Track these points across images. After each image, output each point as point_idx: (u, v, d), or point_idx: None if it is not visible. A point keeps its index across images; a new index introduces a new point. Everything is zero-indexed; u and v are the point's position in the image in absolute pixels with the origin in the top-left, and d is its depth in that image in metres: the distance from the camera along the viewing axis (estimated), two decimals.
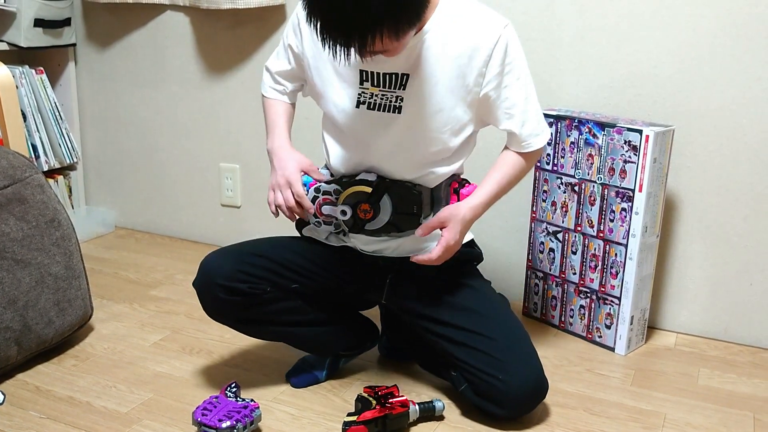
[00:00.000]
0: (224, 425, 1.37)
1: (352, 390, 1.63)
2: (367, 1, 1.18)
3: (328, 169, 1.59)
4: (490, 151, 1.75)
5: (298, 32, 1.52)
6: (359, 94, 1.46)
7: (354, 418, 1.43)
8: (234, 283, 1.48)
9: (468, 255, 1.61)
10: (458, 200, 1.54)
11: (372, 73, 1.44)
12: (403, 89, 1.44)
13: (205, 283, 1.51)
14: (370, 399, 1.45)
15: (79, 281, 1.79)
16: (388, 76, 1.44)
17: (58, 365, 1.72)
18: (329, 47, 1.24)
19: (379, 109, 1.46)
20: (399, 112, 1.45)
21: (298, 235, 1.64)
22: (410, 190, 1.49)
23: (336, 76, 1.48)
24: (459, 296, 1.55)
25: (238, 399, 1.46)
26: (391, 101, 1.45)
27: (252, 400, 1.45)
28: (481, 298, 1.56)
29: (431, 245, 1.52)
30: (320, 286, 1.58)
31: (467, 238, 1.61)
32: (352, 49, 1.24)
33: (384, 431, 1.44)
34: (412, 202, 1.49)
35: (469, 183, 1.56)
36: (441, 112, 1.44)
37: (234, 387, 1.50)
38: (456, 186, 1.54)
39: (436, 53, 1.41)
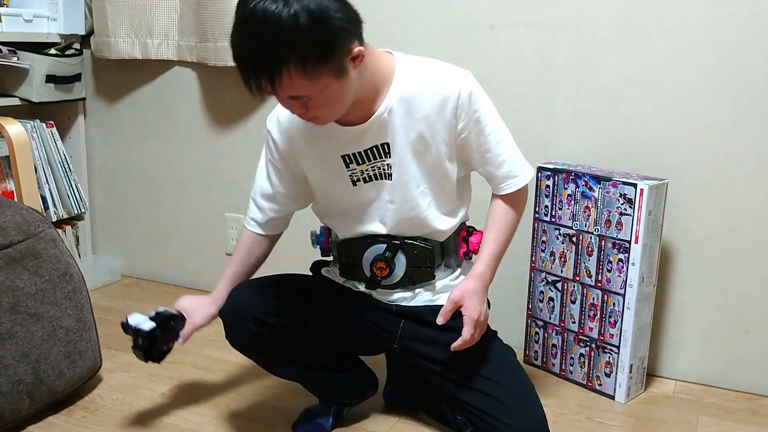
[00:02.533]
0: None
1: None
2: (273, 34, 1.22)
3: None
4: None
5: (273, 148, 1.58)
6: (350, 176, 1.52)
7: None
8: (264, 316, 1.53)
9: None
10: (467, 249, 1.61)
11: (353, 154, 1.50)
12: (389, 156, 1.49)
13: (235, 312, 1.55)
14: None
15: (90, 333, 1.82)
16: (369, 150, 1.49)
17: (69, 417, 1.75)
18: (247, 84, 1.29)
19: (373, 179, 1.53)
20: (390, 178, 1.51)
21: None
22: (422, 245, 1.56)
23: (322, 169, 1.54)
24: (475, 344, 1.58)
25: None
26: (382, 169, 1.51)
27: None
28: (489, 345, 1.59)
29: (447, 294, 1.58)
30: (339, 328, 1.62)
31: None
32: (268, 86, 1.27)
33: None
34: (425, 257, 1.56)
35: (476, 230, 1.63)
36: (427, 172, 1.51)
37: None
38: (464, 234, 1.62)
39: (404, 116, 1.46)
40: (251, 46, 1.25)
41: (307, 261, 1.73)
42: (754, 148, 1.82)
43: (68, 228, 2.64)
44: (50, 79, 2.45)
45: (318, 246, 1.69)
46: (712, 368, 1.96)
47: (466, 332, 1.47)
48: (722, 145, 1.85)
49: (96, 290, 2.63)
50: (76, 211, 2.62)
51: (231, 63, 2.26)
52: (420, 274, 1.58)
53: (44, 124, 2.50)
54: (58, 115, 2.62)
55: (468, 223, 1.66)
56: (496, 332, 1.68)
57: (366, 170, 1.52)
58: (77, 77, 2.57)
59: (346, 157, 1.51)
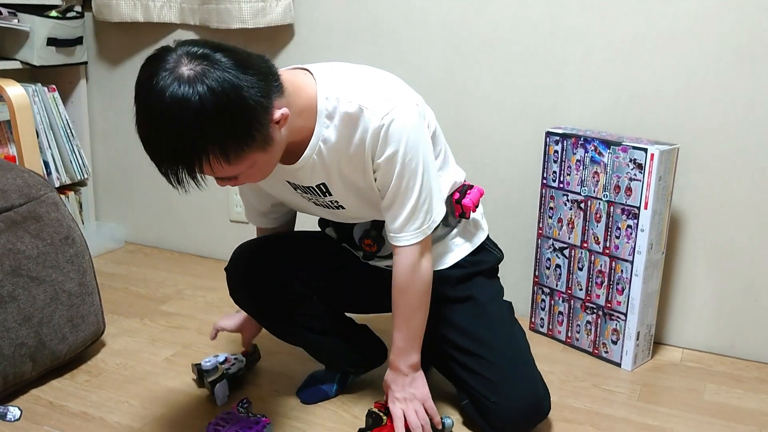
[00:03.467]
0: None
1: (361, 405, 1.65)
2: (181, 127, 1.10)
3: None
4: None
5: None
6: (301, 195, 1.48)
7: None
8: (268, 274, 1.51)
9: (479, 264, 1.61)
10: (462, 211, 1.53)
11: (295, 185, 1.44)
12: (330, 195, 1.43)
13: (239, 270, 1.54)
14: (381, 414, 1.47)
15: (92, 297, 1.81)
16: (309, 188, 1.43)
17: (71, 381, 1.74)
18: (165, 176, 1.17)
19: (325, 207, 1.49)
20: (343, 208, 1.47)
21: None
22: None
23: (271, 186, 1.51)
24: (462, 314, 1.56)
25: (250, 414, 1.48)
26: (330, 203, 1.46)
27: (263, 416, 1.47)
28: (484, 317, 1.56)
29: (444, 257, 1.56)
30: (344, 288, 1.61)
31: (475, 242, 1.61)
32: (181, 176, 1.16)
33: None
34: None
35: (472, 187, 1.55)
36: (370, 195, 1.41)
37: (245, 403, 1.52)
38: (457, 197, 1.54)
39: (332, 158, 1.35)
40: (162, 141, 1.13)
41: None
42: (766, 117, 1.79)
43: (71, 194, 2.62)
44: (51, 42, 2.41)
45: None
46: (721, 337, 1.94)
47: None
48: (735, 109, 1.81)
49: (100, 256, 2.62)
50: (78, 177, 2.60)
51: (234, 25, 2.23)
52: None
53: (46, 88, 2.47)
54: (59, 79, 2.58)
55: (464, 180, 1.58)
56: (501, 290, 1.64)
57: (311, 199, 1.48)
58: (79, 40, 2.53)
59: (291, 183, 1.44)
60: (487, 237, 1.65)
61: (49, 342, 1.68)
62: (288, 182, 1.44)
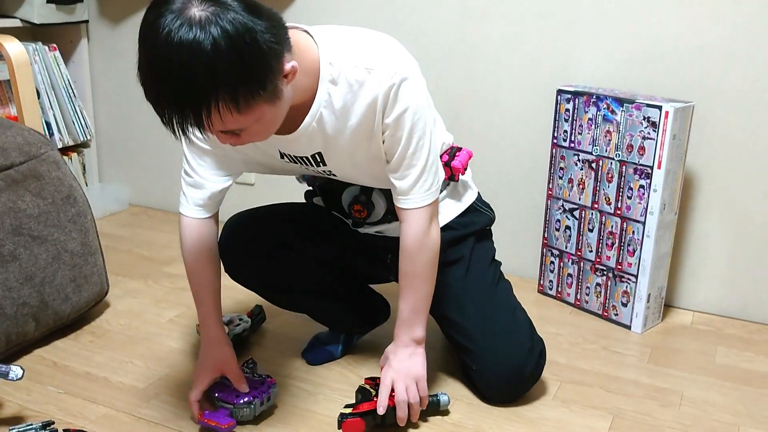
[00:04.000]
0: (242, 401, 1.38)
1: (367, 367, 1.63)
2: (194, 68, 1.02)
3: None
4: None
5: (196, 140, 1.39)
6: (287, 161, 1.40)
7: (351, 410, 1.38)
8: (264, 248, 1.48)
9: (470, 226, 1.56)
10: (451, 174, 1.47)
11: (288, 155, 1.37)
12: (325, 165, 1.37)
13: (233, 247, 1.50)
14: (371, 390, 1.42)
15: (95, 258, 1.79)
16: (302, 158, 1.37)
17: (75, 341, 1.73)
18: (168, 125, 1.09)
19: (316, 174, 1.45)
20: (335, 176, 1.43)
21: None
22: None
23: (255, 152, 1.39)
24: (449, 277, 1.50)
25: (255, 375, 1.46)
26: (322, 173, 1.42)
27: (269, 376, 1.45)
28: (466, 281, 1.51)
29: (443, 210, 1.52)
30: (340, 252, 1.58)
31: (465, 203, 1.56)
32: (188, 128, 1.09)
33: (383, 424, 1.39)
34: None
35: (460, 149, 1.49)
36: (372, 173, 1.38)
37: (251, 363, 1.50)
38: (446, 159, 1.47)
39: (334, 126, 1.29)
40: (169, 86, 1.05)
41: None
42: None
43: (74, 155, 2.59)
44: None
45: (305, 182, 1.62)
46: (733, 299, 1.91)
47: (398, 413, 1.38)
48: (753, 66, 1.76)
49: (104, 218, 2.59)
50: (81, 138, 2.57)
51: None
52: None
53: (46, 47, 2.43)
54: (60, 38, 2.54)
55: (452, 143, 1.51)
56: (492, 252, 1.60)
57: (302, 168, 1.43)
58: None
59: (281, 153, 1.37)
60: (478, 197, 1.60)
61: (52, 302, 1.66)
62: (279, 150, 1.37)
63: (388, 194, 1.46)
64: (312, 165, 1.38)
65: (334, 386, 1.56)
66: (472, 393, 1.53)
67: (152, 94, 1.08)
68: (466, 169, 1.51)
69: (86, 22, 2.56)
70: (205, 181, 1.42)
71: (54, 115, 2.45)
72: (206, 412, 1.38)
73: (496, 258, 1.59)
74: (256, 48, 1.06)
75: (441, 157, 1.47)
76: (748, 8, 1.73)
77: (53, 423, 1.32)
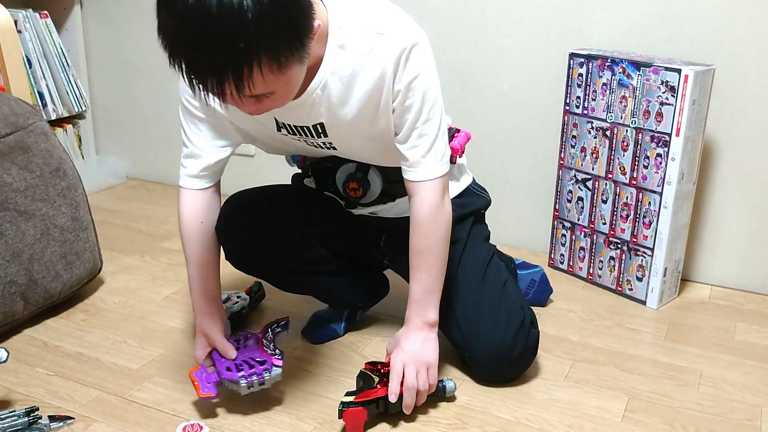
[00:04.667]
0: (227, 376, 1.28)
1: (371, 345, 1.56)
2: (236, 25, 0.94)
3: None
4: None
5: (191, 108, 1.35)
6: (283, 135, 1.33)
7: (352, 398, 1.29)
8: (260, 229, 1.41)
9: (467, 206, 1.51)
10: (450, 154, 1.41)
11: (286, 124, 1.30)
12: (326, 136, 1.30)
13: (233, 233, 1.42)
14: (373, 376, 1.34)
15: (87, 233, 1.72)
16: (301, 128, 1.29)
17: (67, 320, 1.66)
18: (200, 91, 1.01)
19: (313, 147, 1.36)
20: (336, 149, 1.35)
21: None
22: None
23: (253, 122, 1.31)
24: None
25: (270, 347, 1.36)
26: (321, 145, 1.34)
27: (280, 355, 1.34)
28: (464, 262, 1.45)
29: None
30: (339, 229, 1.51)
31: (462, 184, 1.52)
32: (233, 91, 1.00)
33: (386, 413, 1.31)
34: (401, 170, 1.34)
35: (459, 131, 1.43)
36: (375, 144, 1.32)
37: (278, 327, 1.41)
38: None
39: (340, 93, 1.23)
40: (208, 46, 0.96)
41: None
42: None
43: (69, 127, 2.51)
44: None
45: (294, 165, 1.55)
46: (753, 273, 1.82)
47: (405, 400, 1.30)
48: None
49: (100, 192, 2.52)
50: (76, 109, 2.48)
51: None
52: (399, 188, 1.38)
53: (37, 15, 2.34)
54: (52, 4, 2.44)
55: (450, 124, 1.44)
56: (485, 235, 1.55)
57: (300, 141, 1.34)
58: None
59: (278, 121, 1.30)
60: (473, 181, 1.55)
61: (42, 280, 1.59)
62: (275, 120, 1.29)
63: (384, 173, 1.41)
64: (312, 136, 1.31)
65: (336, 366, 1.49)
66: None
67: (185, 56, 0.99)
68: (463, 152, 1.45)
69: None
70: (201, 151, 1.37)
71: (47, 85, 2.37)
72: (201, 368, 1.33)
73: (490, 241, 1.56)
74: (296, 2, 1.00)
75: None
76: None
77: (37, 409, 1.25)
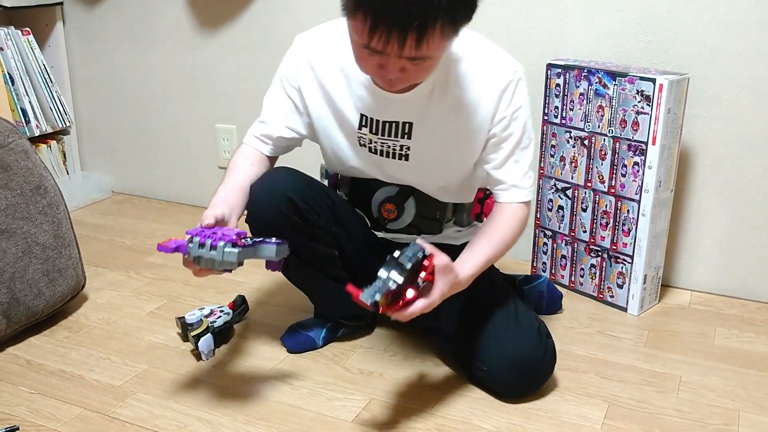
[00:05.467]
0: (196, 235, 1.23)
1: (353, 358, 1.57)
2: None
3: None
4: None
5: (296, 76, 1.42)
6: (359, 138, 1.41)
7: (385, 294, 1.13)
8: (299, 202, 1.40)
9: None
10: (481, 210, 1.52)
11: (372, 119, 1.38)
12: (408, 138, 1.38)
13: (269, 188, 1.40)
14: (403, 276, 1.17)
15: (70, 250, 1.72)
16: (388, 125, 1.37)
17: (51, 337, 1.67)
18: (380, 39, 1.10)
19: (383, 155, 1.42)
20: (407, 160, 1.41)
21: None
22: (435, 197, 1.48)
23: (334, 117, 1.42)
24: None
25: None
26: (395, 150, 1.40)
27: (277, 242, 1.25)
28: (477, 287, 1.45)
29: (451, 239, 1.53)
30: (355, 242, 1.52)
31: None
32: (407, 43, 1.09)
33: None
34: (436, 208, 1.48)
35: (491, 196, 1.50)
36: (450, 160, 1.40)
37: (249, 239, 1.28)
38: (481, 196, 1.54)
39: (444, 100, 1.34)
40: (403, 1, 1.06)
41: None
42: None
43: (53, 143, 2.51)
44: None
45: (326, 180, 1.58)
46: (732, 278, 1.84)
47: (413, 308, 1.21)
48: (749, 36, 1.68)
49: (86, 207, 2.53)
50: (60, 125, 2.49)
51: None
52: (427, 225, 1.48)
53: (19, 32, 2.35)
54: (34, 21, 2.45)
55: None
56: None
57: (376, 142, 1.40)
58: None
59: (364, 117, 1.38)
60: None
61: (24, 297, 1.59)
62: (361, 115, 1.38)
63: (419, 206, 1.48)
64: (393, 135, 1.38)
65: (318, 379, 1.50)
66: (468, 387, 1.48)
67: (377, 8, 1.08)
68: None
69: (60, 4, 2.48)
70: (270, 120, 1.47)
71: (30, 102, 2.37)
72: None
73: None
74: None
75: (478, 192, 1.53)
76: None
77: (17, 429, 1.26)
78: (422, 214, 1.49)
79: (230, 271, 1.26)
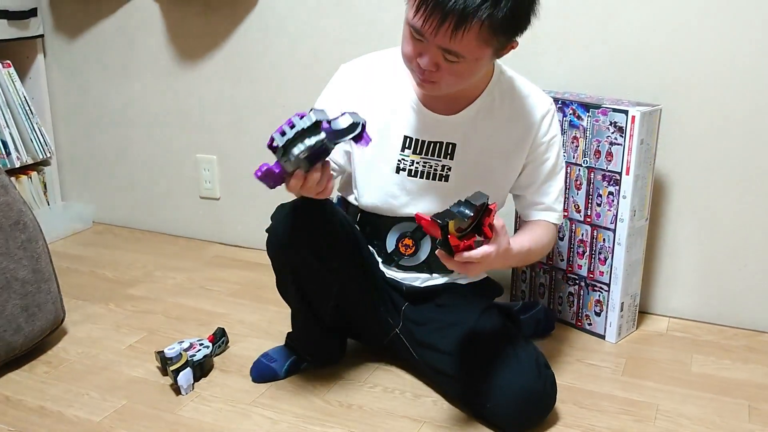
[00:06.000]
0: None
1: (332, 390, 1.57)
2: None
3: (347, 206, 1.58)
4: None
5: (340, 99, 1.44)
6: (399, 161, 1.45)
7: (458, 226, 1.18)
8: (317, 244, 1.40)
9: (479, 293, 1.60)
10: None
11: (416, 140, 1.44)
12: (451, 159, 1.43)
13: (286, 235, 1.41)
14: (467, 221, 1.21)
15: (49, 284, 1.72)
16: (433, 144, 1.44)
17: (30, 373, 1.66)
18: (422, 16, 1.19)
19: (421, 177, 1.45)
20: (446, 181, 1.45)
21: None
22: None
23: (376, 136, 1.39)
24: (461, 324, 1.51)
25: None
26: (436, 170, 1.45)
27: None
28: (475, 328, 1.51)
29: (460, 279, 1.56)
30: (362, 282, 1.53)
31: (482, 275, 1.61)
32: (443, 27, 1.18)
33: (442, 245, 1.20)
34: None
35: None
36: (490, 182, 1.44)
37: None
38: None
39: (487, 124, 1.43)
40: None
41: None
42: (752, 71, 1.69)
43: (34, 174, 2.51)
44: (2, 14, 2.29)
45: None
46: (708, 304, 1.87)
47: (476, 253, 1.24)
48: (720, 68, 1.72)
49: (66, 238, 2.52)
50: (41, 156, 2.49)
51: None
52: (439, 263, 1.43)
53: (0, 64, 2.35)
54: (15, 54, 2.46)
55: None
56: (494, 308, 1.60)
57: (417, 163, 1.45)
58: (32, 12, 2.41)
59: (408, 139, 1.45)
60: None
61: (3, 333, 1.59)
62: (405, 137, 1.44)
63: (435, 244, 1.44)
64: (436, 155, 1.44)
65: (298, 413, 1.50)
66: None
67: None
68: None
69: (41, 36, 2.49)
70: None
71: (11, 134, 2.37)
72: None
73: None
74: (533, 5, 1.25)
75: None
76: (711, 7, 1.69)
77: None
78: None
79: (327, 152, 1.23)
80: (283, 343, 1.67)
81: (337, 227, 1.46)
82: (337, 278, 1.48)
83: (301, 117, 1.20)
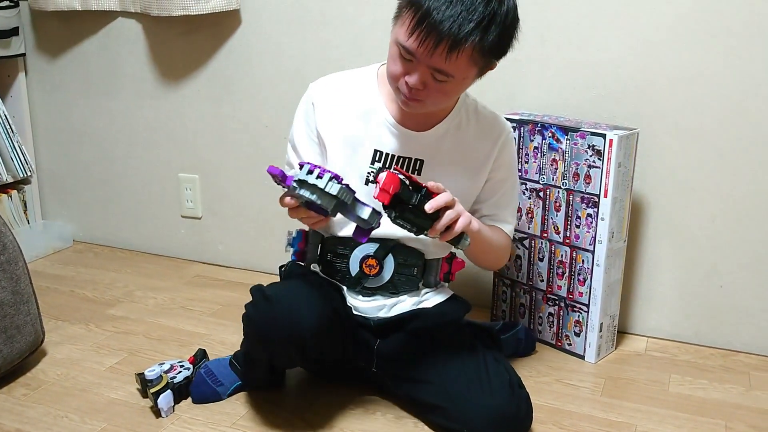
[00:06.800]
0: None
1: (313, 413, 1.57)
2: (476, 7, 1.21)
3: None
4: None
5: (312, 116, 1.51)
6: (368, 173, 1.47)
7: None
8: (321, 344, 1.41)
9: (448, 315, 1.58)
10: (449, 270, 1.59)
11: (385, 155, 1.47)
12: (418, 174, 1.48)
13: (288, 327, 1.37)
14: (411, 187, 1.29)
15: (28, 306, 1.71)
16: (402, 159, 1.47)
17: (8, 395, 1.64)
18: (417, 38, 1.23)
19: None
20: None
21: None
22: (414, 251, 1.53)
23: (348, 150, 1.48)
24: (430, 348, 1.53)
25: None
26: None
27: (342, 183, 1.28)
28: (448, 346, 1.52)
29: (426, 302, 1.57)
30: (338, 352, 1.52)
31: (448, 294, 1.61)
32: (437, 49, 1.23)
33: (415, 209, 1.27)
34: (414, 265, 1.52)
35: (456, 257, 1.61)
36: (462, 190, 1.45)
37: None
38: (448, 257, 1.59)
39: (453, 142, 1.48)
40: (457, 5, 1.21)
41: None
42: (727, 94, 1.73)
43: (14, 193, 2.50)
44: None
45: (292, 249, 1.57)
46: (686, 324, 1.89)
47: (443, 219, 1.29)
48: (694, 91, 1.75)
49: (46, 257, 2.51)
50: (21, 175, 2.48)
51: (176, 12, 2.12)
52: (404, 282, 1.52)
53: None
54: None
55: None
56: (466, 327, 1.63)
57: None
58: (14, 31, 2.40)
59: (379, 152, 1.48)
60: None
61: None
62: (375, 151, 1.47)
63: (398, 264, 1.51)
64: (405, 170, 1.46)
65: None
66: None
67: (427, 9, 1.21)
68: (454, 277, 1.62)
69: (23, 55, 2.48)
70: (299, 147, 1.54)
71: None
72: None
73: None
74: (517, 28, 1.32)
75: (446, 256, 1.60)
76: (687, 32, 1.72)
77: None
78: (400, 271, 1.51)
79: (326, 213, 1.30)
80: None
81: (324, 320, 1.41)
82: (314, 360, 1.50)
83: (336, 177, 1.27)
